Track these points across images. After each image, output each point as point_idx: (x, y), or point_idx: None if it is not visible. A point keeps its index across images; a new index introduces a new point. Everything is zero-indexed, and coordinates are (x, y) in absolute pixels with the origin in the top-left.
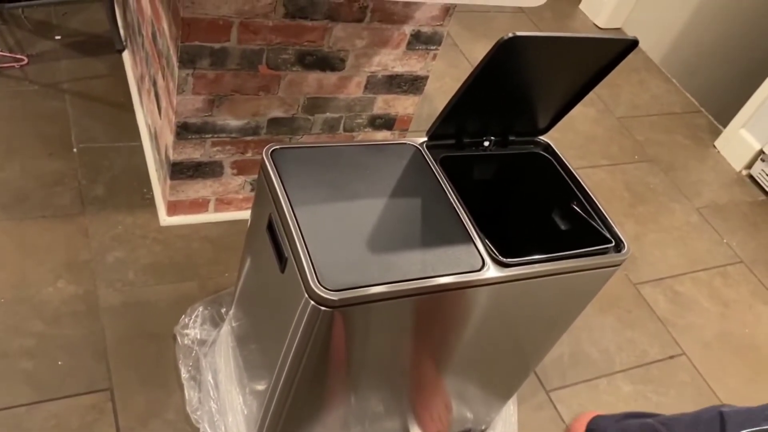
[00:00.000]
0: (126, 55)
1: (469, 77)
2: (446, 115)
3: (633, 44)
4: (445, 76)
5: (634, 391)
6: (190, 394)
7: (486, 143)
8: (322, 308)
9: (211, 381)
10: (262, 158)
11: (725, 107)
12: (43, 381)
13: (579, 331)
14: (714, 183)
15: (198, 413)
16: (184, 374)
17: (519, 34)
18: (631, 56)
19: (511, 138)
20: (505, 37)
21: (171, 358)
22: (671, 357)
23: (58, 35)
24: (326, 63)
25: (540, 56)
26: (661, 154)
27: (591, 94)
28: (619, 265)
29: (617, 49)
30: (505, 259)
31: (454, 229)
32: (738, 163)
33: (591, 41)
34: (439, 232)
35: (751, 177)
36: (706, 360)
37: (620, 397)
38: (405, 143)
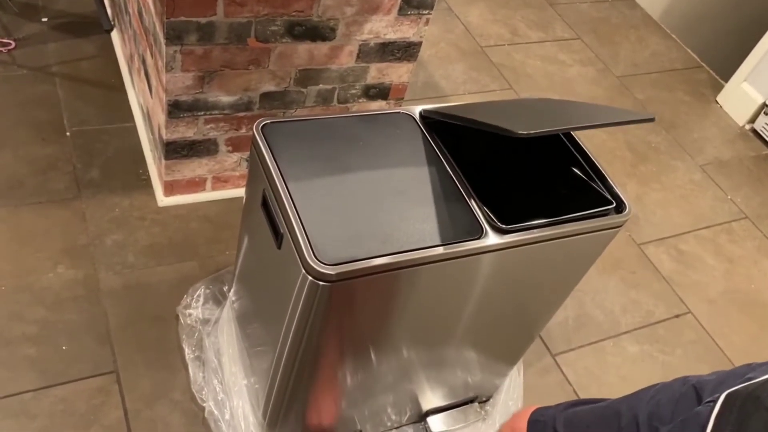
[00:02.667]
0: (115, 35)
1: None
2: None
3: None
4: (440, 42)
5: (640, 352)
6: (195, 373)
7: None
8: (320, 283)
9: (215, 360)
10: (253, 134)
11: (727, 61)
12: (48, 366)
13: (583, 294)
14: (717, 139)
15: (203, 392)
16: (188, 354)
17: None
18: (629, 12)
19: None
20: None
21: (174, 339)
22: (677, 316)
23: (45, 17)
24: (316, 33)
25: None
26: (663, 112)
27: (589, 54)
28: (620, 226)
29: None
30: (504, 226)
31: (451, 198)
32: (741, 118)
33: None
34: (437, 202)
35: (754, 131)
36: (713, 317)
37: (626, 358)
38: (399, 112)
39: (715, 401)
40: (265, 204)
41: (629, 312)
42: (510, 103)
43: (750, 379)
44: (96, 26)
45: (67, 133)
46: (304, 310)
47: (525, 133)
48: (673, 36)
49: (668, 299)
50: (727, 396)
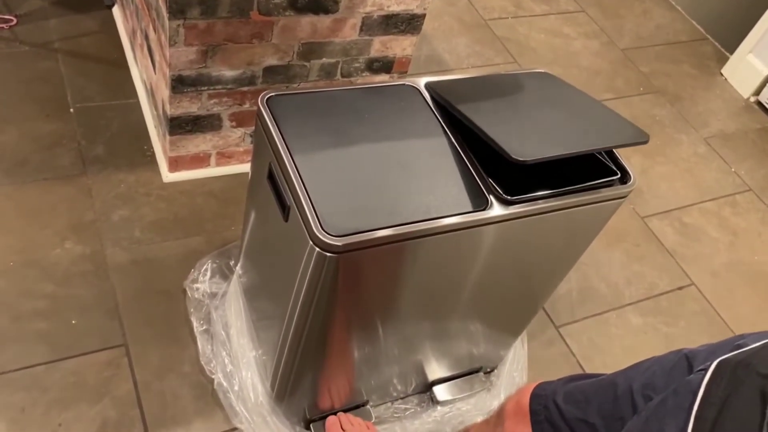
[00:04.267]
0: (116, 10)
1: None
2: None
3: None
4: (444, 15)
5: (643, 323)
6: (203, 346)
7: None
8: (328, 254)
9: (223, 333)
10: (258, 106)
11: (732, 33)
12: (58, 340)
13: (587, 267)
14: (721, 112)
15: (212, 364)
16: (196, 327)
17: None
18: None
19: None
20: None
21: (182, 313)
22: (680, 288)
23: None
24: (319, 5)
25: None
26: (667, 85)
27: (594, 26)
28: (625, 197)
29: None
30: (509, 197)
31: (457, 170)
32: (746, 90)
33: None
34: (442, 173)
35: (759, 103)
36: (716, 289)
37: (630, 330)
38: (404, 84)
39: (706, 369)
40: (271, 176)
41: (633, 284)
42: (512, 94)
43: (741, 346)
44: (97, 1)
45: (71, 110)
46: (312, 281)
47: (522, 160)
48: (678, 8)
49: (672, 272)
50: (718, 363)
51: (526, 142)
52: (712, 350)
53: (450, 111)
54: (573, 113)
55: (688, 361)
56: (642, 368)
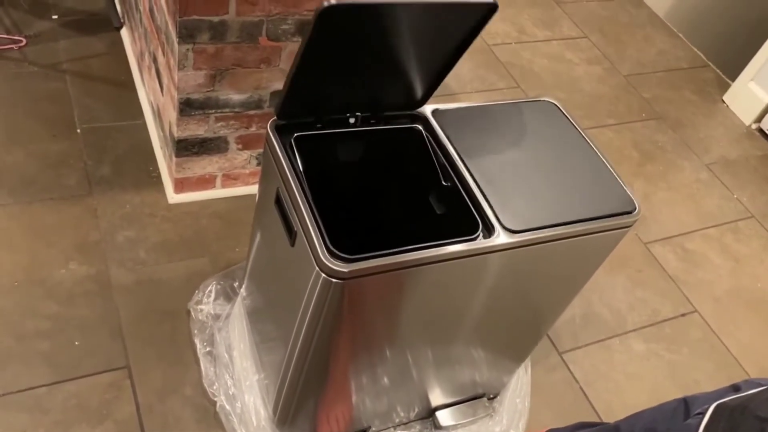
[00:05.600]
0: (124, 32)
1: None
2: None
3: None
4: None
5: (646, 350)
6: (206, 368)
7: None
8: (333, 280)
9: (226, 355)
10: (267, 132)
11: (733, 60)
12: (60, 361)
13: (590, 293)
14: (723, 138)
15: (215, 387)
16: (199, 349)
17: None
18: (635, 11)
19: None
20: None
21: (186, 334)
22: (683, 314)
23: (55, 14)
24: None
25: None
26: (669, 111)
27: (596, 52)
28: (629, 226)
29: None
30: (512, 227)
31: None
32: (747, 117)
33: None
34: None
35: (761, 130)
36: (718, 316)
37: (633, 356)
38: (413, 114)
39: (704, 413)
40: (278, 202)
41: (636, 310)
42: (514, 135)
43: (738, 391)
44: (106, 23)
45: (78, 130)
46: (317, 306)
47: (510, 232)
48: (680, 35)
49: (674, 298)
50: (716, 407)
51: (519, 209)
52: (710, 396)
53: (459, 122)
54: (569, 171)
55: (686, 405)
56: (645, 414)
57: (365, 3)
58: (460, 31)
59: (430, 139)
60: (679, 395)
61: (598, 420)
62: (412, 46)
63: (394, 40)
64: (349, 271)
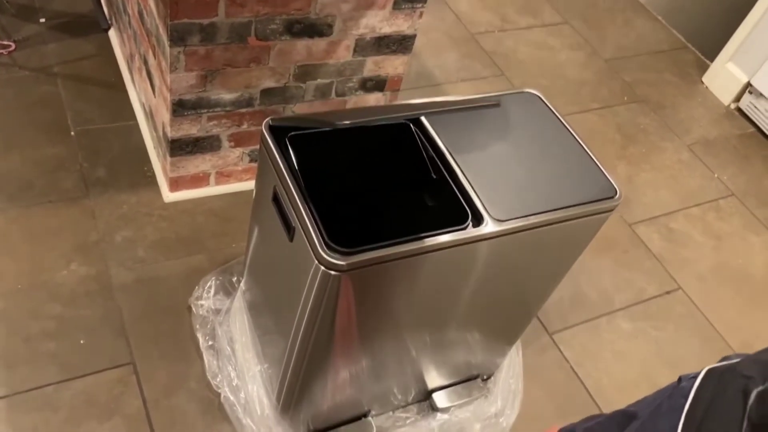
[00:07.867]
0: (113, 34)
1: None
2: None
3: None
4: (432, 31)
5: (633, 328)
6: (210, 362)
7: None
8: (332, 273)
9: (228, 348)
10: (262, 132)
11: (712, 42)
12: (67, 360)
13: (577, 275)
14: (703, 119)
15: (218, 379)
16: (202, 343)
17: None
18: None
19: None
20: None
21: (188, 330)
22: (668, 292)
23: (43, 18)
24: (314, 30)
25: None
26: (651, 94)
27: (578, 38)
28: (611, 211)
29: None
30: (499, 217)
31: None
32: (726, 97)
33: None
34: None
35: (739, 110)
36: (702, 293)
37: (621, 335)
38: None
39: (696, 377)
40: (276, 199)
41: (622, 290)
42: (497, 131)
43: (728, 359)
44: (93, 25)
45: (72, 133)
46: (317, 298)
47: (498, 220)
48: (659, 18)
49: (659, 277)
50: (707, 371)
51: (505, 199)
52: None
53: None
54: (552, 160)
55: (678, 380)
56: (647, 398)
57: None
58: None
59: (420, 134)
60: (666, 371)
61: (588, 397)
62: None
63: None
64: (347, 264)
